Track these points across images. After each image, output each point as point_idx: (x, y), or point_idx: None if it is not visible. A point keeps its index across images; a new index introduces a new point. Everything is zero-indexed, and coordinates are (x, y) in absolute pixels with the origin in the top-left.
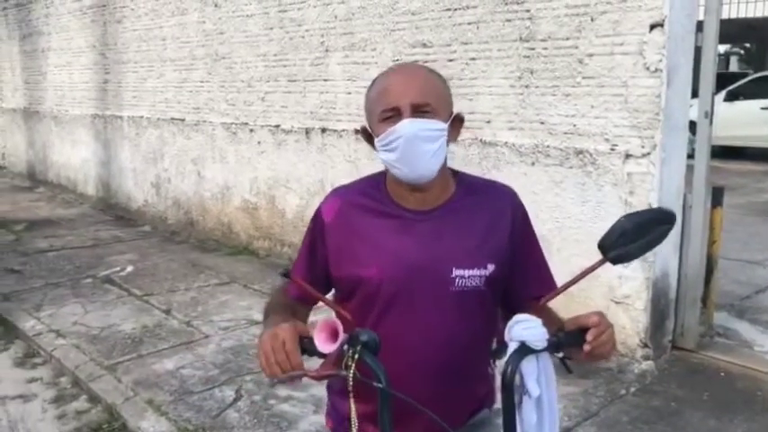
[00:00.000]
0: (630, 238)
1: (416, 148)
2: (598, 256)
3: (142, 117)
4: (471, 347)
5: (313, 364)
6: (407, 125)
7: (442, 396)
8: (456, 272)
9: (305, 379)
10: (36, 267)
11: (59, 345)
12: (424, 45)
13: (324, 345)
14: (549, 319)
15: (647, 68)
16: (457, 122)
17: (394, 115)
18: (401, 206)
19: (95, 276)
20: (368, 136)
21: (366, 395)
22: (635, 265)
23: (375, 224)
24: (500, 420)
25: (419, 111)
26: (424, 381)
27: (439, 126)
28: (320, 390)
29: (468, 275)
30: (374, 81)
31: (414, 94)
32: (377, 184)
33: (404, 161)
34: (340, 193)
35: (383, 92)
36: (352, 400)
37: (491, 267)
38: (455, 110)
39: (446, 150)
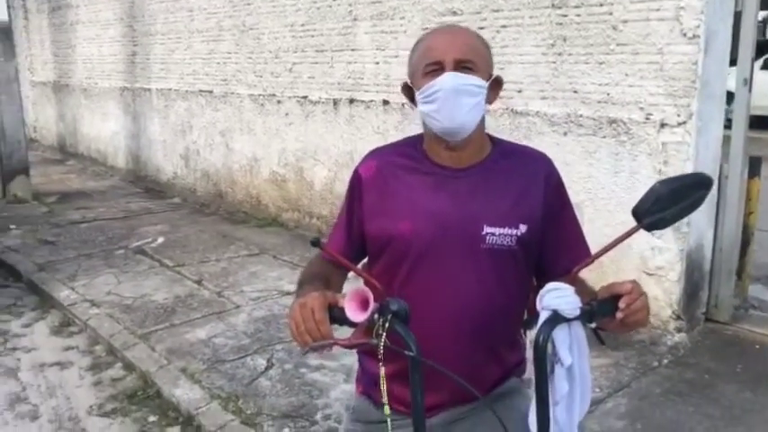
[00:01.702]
0: (666, 204)
1: (456, 101)
2: (631, 226)
3: (170, 89)
4: (501, 309)
5: (344, 333)
6: (449, 78)
7: (470, 356)
8: (487, 229)
9: (336, 348)
10: (69, 239)
11: (94, 314)
12: (454, 13)
13: (354, 314)
14: (582, 289)
15: (684, 35)
16: (495, 85)
17: (437, 69)
18: (436, 163)
19: (127, 247)
20: (409, 92)
21: (392, 355)
22: (668, 236)
23: (410, 181)
24: (530, 390)
25: (461, 66)
26: (454, 339)
27: (479, 82)
28: (351, 359)
29: (499, 233)
30: (420, 39)
31: (457, 51)
32: (413, 145)
33: (442, 112)
34: (377, 153)
35: (428, 47)
36: (382, 370)
37: (523, 228)
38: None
39: (484, 109)
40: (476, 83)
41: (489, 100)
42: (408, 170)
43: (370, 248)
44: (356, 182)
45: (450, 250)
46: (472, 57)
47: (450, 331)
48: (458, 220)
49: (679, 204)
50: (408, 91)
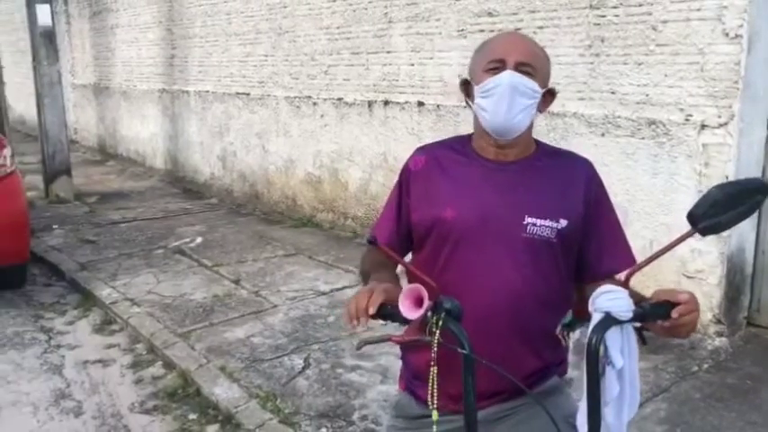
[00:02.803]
0: (721, 208)
1: (511, 99)
2: (670, 228)
3: (208, 92)
4: (538, 299)
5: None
6: (509, 76)
7: (508, 343)
8: (528, 219)
9: (374, 350)
10: (110, 238)
11: (135, 313)
12: (490, 14)
13: (408, 311)
14: (630, 293)
15: (726, 34)
16: (549, 96)
17: (499, 67)
18: (483, 157)
19: (166, 247)
20: (466, 89)
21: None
22: (709, 238)
23: (456, 171)
24: (572, 390)
25: (521, 69)
26: (492, 325)
27: (535, 87)
28: (387, 360)
29: (540, 224)
30: (486, 40)
31: (520, 53)
32: (462, 141)
33: (496, 107)
34: (426, 148)
35: (493, 47)
36: (434, 370)
37: (563, 222)
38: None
39: (534, 114)
40: (532, 86)
41: (540, 109)
42: (455, 162)
43: (415, 237)
44: (405, 175)
45: (491, 237)
46: (533, 62)
47: (488, 317)
48: (500, 207)
49: (734, 209)
50: (466, 87)
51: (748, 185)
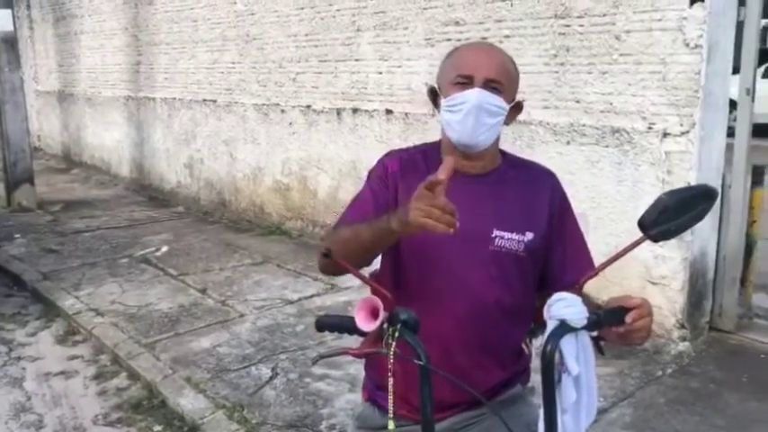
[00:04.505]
0: (672, 214)
1: (477, 117)
2: (634, 235)
3: (174, 98)
4: (505, 311)
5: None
6: (476, 94)
7: (474, 355)
8: (496, 232)
9: (342, 358)
10: (73, 247)
11: (98, 323)
12: (457, 23)
13: (364, 323)
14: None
15: (687, 45)
16: (516, 109)
17: (466, 82)
18: None
19: (131, 256)
20: (433, 96)
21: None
22: (672, 245)
23: None
24: (534, 398)
25: (489, 85)
26: (458, 337)
27: (502, 104)
28: (356, 368)
29: (507, 238)
30: (456, 48)
31: (489, 70)
32: (431, 150)
33: (463, 125)
34: (400, 152)
35: (463, 59)
36: (391, 381)
37: (530, 235)
38: (518, 98)
39: (500, 129)
40: (499, 104)
41: (507, 122)
42: (425, 172)
43: None
44: (382, 171)
45: (459, 250)
46: (502, 79)
47: (455, 330)
48: (468, 220)
49: (685, 215)
50: (433, 95)
51: (697, 192)
